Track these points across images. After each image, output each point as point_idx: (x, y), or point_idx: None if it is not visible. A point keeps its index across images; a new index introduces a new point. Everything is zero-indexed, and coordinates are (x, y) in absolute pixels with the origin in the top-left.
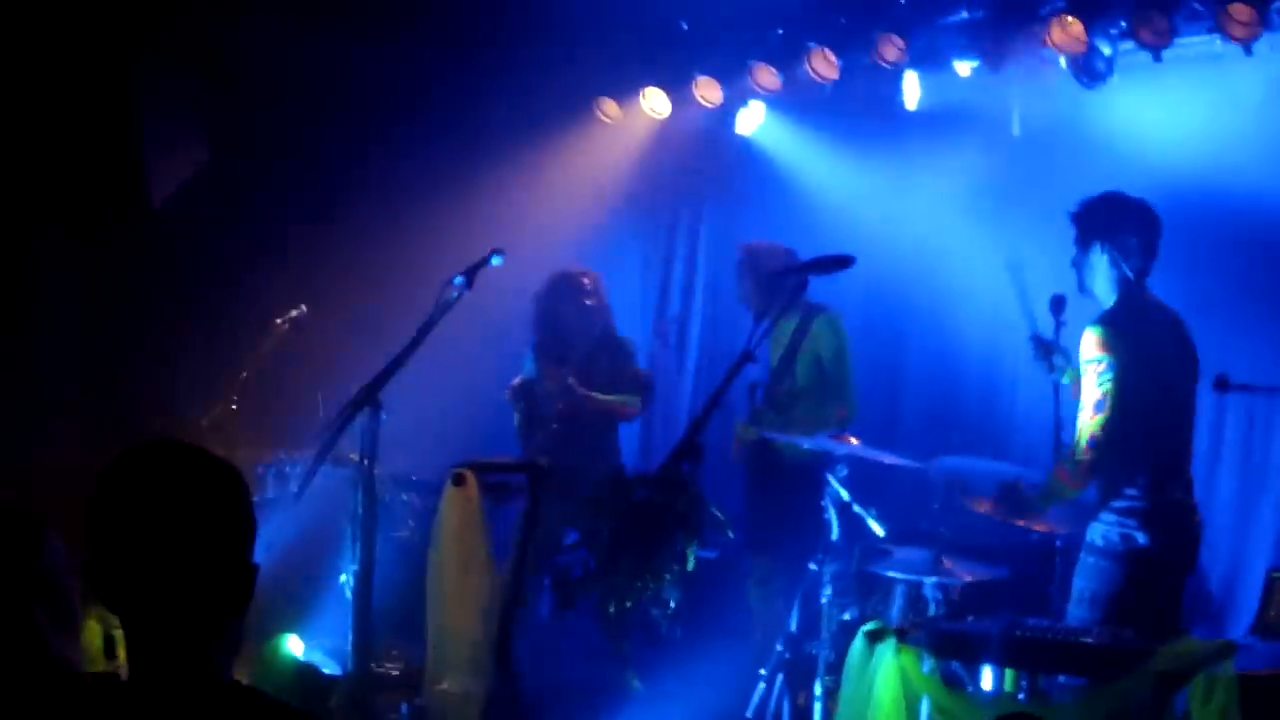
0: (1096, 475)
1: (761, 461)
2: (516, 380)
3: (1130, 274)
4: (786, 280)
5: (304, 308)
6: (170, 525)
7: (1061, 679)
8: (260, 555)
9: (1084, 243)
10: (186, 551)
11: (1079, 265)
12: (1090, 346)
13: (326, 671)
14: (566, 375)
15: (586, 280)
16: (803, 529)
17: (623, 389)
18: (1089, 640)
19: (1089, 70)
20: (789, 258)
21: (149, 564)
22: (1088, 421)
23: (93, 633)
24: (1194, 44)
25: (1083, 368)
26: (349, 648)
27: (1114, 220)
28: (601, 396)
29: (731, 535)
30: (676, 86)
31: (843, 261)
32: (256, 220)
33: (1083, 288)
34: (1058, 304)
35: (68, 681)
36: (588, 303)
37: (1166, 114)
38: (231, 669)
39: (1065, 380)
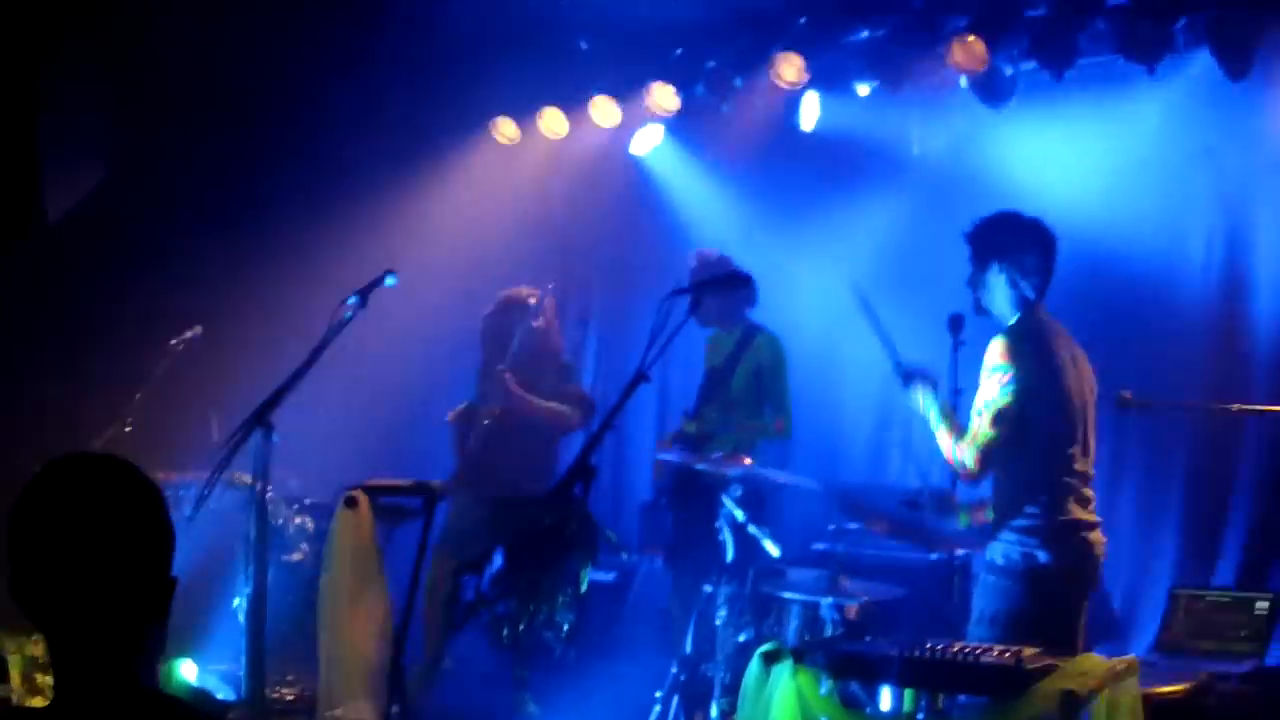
0: (979, 482)
1: (679, 481)
2: (461, 405)
3: (1030, 293)
4: (676, 298)
5: (199, 329)
6: (91, 536)
7: (962, 699)
8: None
9: (980, 263)
10: (107, 562)
11: (975, 285)
12: (995, 355)
13: (220, 697)
14: (504, 371)
15: (534, 300)
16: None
17: (561, 403)
18: (990, 659)
19: (991, 90)
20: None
21: (71, 575)
22: (985, 429)
23: None
24: (1094, 65)
25: (985, 375)
26: (242, 673)
27: (1011, 239)
28: (537, 400)
29: (625, 557)
30: (574, 107)
31: (737, 279)
32: (152, 237)
33: (979, 308)
34: (956, 323)
35: None
36: (535, 323)
37: (1066, 136)
38: (154, 677)
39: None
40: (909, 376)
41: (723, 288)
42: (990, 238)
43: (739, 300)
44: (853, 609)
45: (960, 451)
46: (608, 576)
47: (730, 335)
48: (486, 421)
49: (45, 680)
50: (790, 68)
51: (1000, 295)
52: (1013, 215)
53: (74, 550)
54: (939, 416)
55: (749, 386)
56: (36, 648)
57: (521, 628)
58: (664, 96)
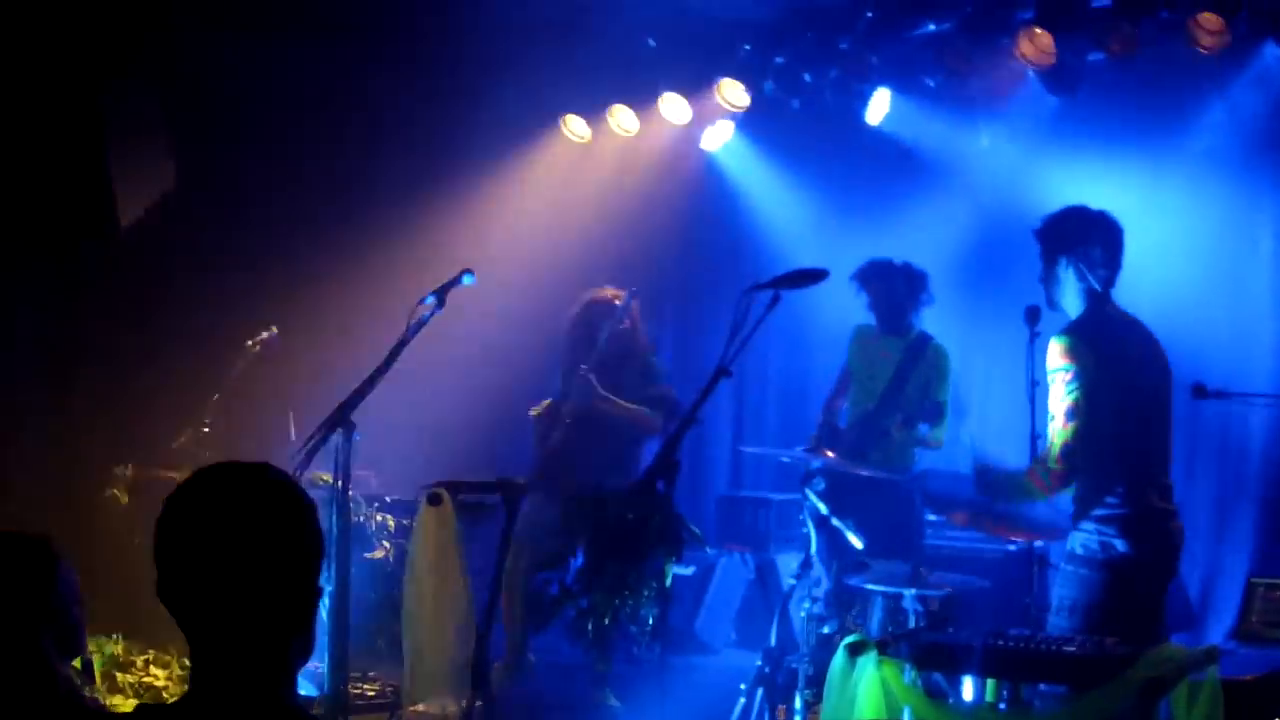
0: (1069, 484)
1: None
2: (544, 402)
3: (1097, 285)
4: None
5: (274, 329)
6: (241, 544)
7: (1043, 688)
8: None
9: (1050, 258)
10: (254, 570)
11: (1046, 281)
12: (1054, 356)
13: (303, 693)
14: (588, 372)
15: (619, 301)
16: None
17: (644, 405)
18: (1071, 649)
19: (1059, 81)
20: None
21: (218, 582)
22: (1059, 429)
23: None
24: (1158, 55)
25: (1049, 377)
26: (325, 669)
27: (1077, 233)
28: (619, 401)
29: (710, 551)
30: (644, 104)
31: (816, 275)
32: (226, 240)
33: (1051, 303)
34: (1032, 315)
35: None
36: (621, 324)
37: (1133, 126)
38: (294, 690)
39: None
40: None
41: (803, 284)
42: (1057, 233)
43: (909, 303)
44: (935, 600)
45: (1042, 463)
46: (687, 570)
47: (895, 341)
48: (568, 420)
49: (126, 679)
50: (1032, 44)
51: (1069, 289)
52: (1078, 209)
53: (223, 557)
54: (1007, 479)
55: (918, 400)
56: (116, 646)
57: (607, 622)
58: (734, 93)
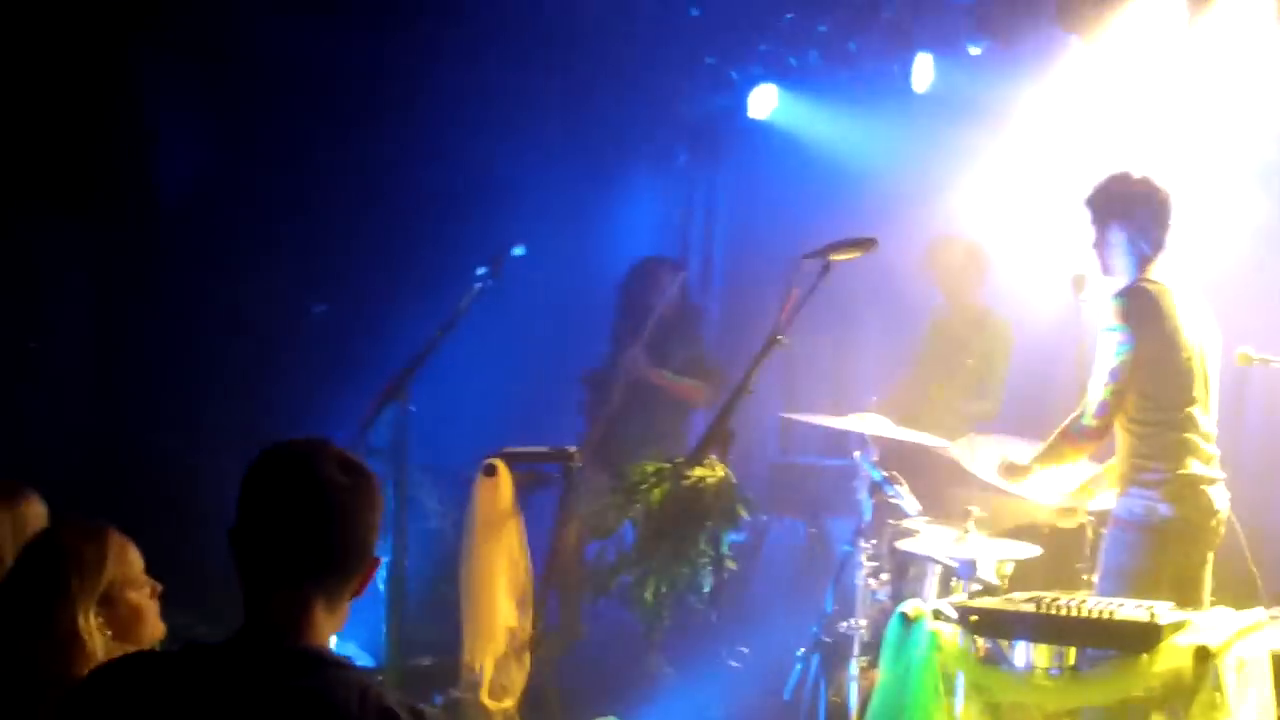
0: (1102, 439)
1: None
2: (596, 368)
3: (1148, 249)
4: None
5: (324, 306)
6: (300, 504)
7: (1094, 652)
8: None
9: (1101, 224)
10: (310, 526)
11: (1099, 247)
12: (1110, 316)
13: (360, 664)
14: (634, 348)
15: (669, 269)
16: None
17: (693, 377)
18: (1123, 614)
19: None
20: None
21: (262, 534)
22: (1100, 387)
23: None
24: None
25: (1101, 336)
26: (383, 640)
27: (1126, 199)
28: (668, 375)
29: (765, 518)
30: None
31: (864, 244)
32: (271, 212)
33: (1106, 269)
34: (1079, 282)
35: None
36: (670, 296)
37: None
38: (328, 641)
39: None
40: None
41: (852, 251)
42: (1105, 199)
43: (970, 275)
44: (988, 566)
45: (1079, 417)
46: (739, 537)
47: (958, 314)
48: (618, 392)
49: None
50: None
51: (1120, 254)
52: (1124, 175)
53: (267, 515)
54: (1043, 455)
55: (978, 370)
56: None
57: (663, 591)
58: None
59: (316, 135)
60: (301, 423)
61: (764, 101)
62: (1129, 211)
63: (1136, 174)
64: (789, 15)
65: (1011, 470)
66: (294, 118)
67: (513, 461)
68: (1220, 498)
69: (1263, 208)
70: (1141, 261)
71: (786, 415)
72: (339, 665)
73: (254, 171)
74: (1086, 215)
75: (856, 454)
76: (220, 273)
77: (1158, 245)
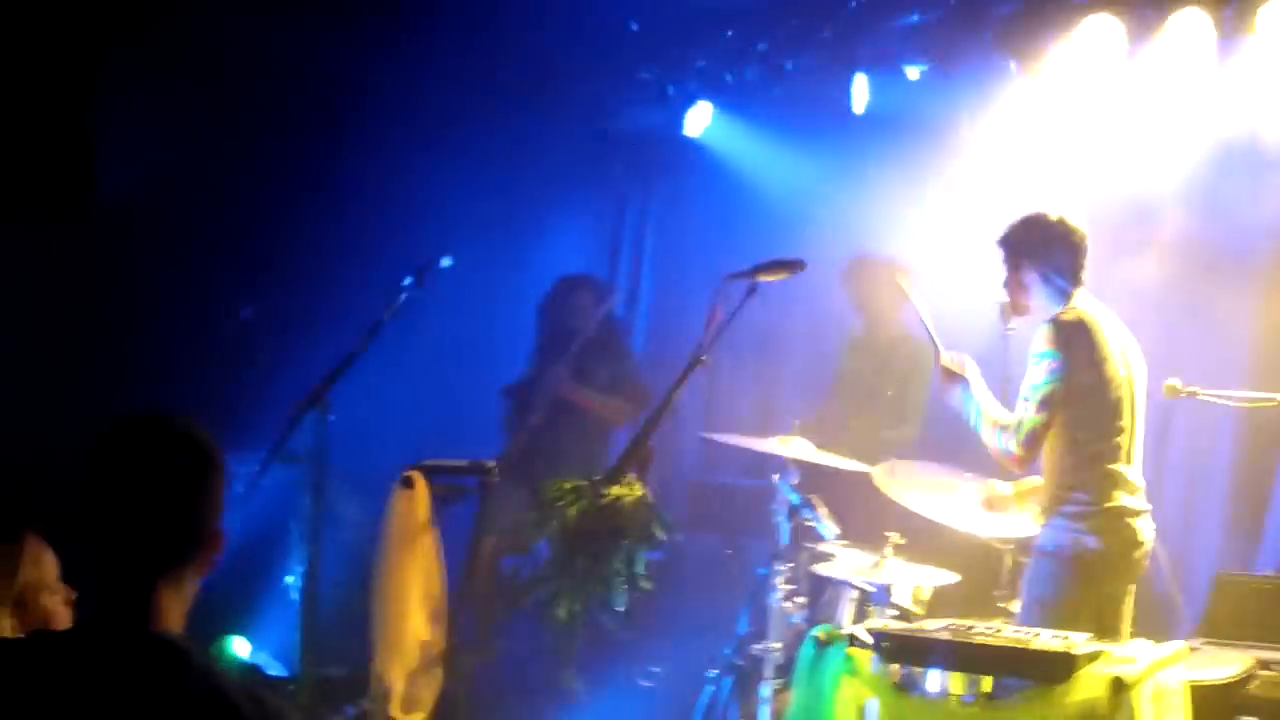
0: (1026, 468)
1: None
2: (516, 381)
3: (1066, 285)
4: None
5: (251, 309)
6: (136, 479)
7: (1010, 682)
8: None
9: (1014, 264)
10: (147, 505)
11: (1010, 286)
12: (1041, 341)
13: (272, 673)
14: (558, 366)
15: (589, 290)
16: None
17: (616, 396)
18: (1039, 644)
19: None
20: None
21: (114, 515)
22: (1030, 416)
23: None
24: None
25: (1032, 361)
26: (295, 649)
27: (1039, 239)
28: (591, 393)
29: (679, 538)
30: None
31: (792, 265)
32: (212, 215)
33: (1018, 308)
34: (1007, 311)
35: None
36: (590, 309)
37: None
38: (180, 623)
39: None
40: (946, 375)
41: (779, 273)
42: (1019, 239)
43: (889, 297)
44: (904, 591)
45: (1005, 439)
46: (657, 555)
47: (876, 338)
48: (539, 408)
49: None
50: None
51: (1038, 293)
52: (1038, 215)
53: (117, 492)
54: (978, 413)
55: (897, 394)
56: None
57: (577, 609)
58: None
59: (249, 142)
60: (224, 427)
61: (699, 119)
62: (1045, 252)
63: (1052, 213)
64: (729, 32)
65: (994, 502)
66: (227, 124)
67: (430, 474)
68: (1146, 529)
69: (1194, 236)
70: (1062, 297)
71: (707, 436)
72: (178, 649)
73: (188, 176)
74: (999, 254)
75: (775, 477)
76: (151, 274)
77: (1076, 280)
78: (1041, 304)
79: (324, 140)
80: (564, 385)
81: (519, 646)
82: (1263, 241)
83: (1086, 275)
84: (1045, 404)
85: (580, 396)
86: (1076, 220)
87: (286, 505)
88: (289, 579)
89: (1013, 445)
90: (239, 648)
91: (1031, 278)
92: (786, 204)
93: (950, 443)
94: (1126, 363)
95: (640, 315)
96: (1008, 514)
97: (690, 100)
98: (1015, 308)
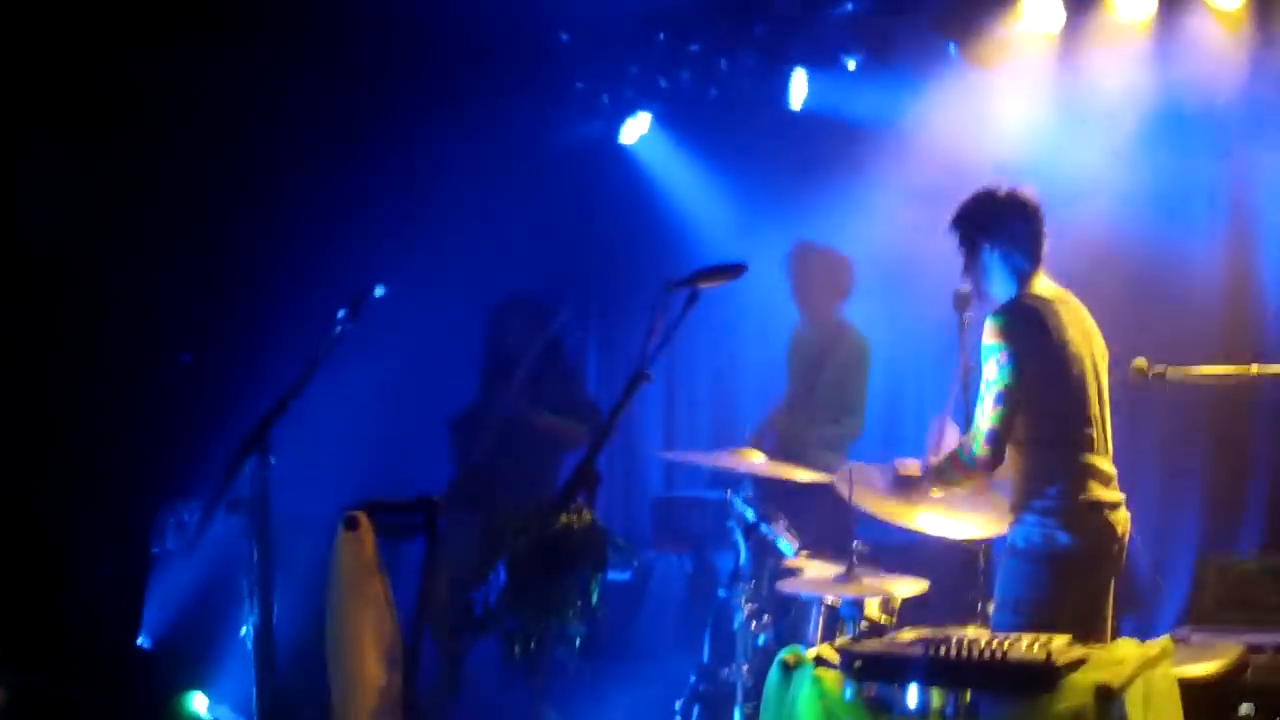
0: (993, 469)
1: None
2: (463, 410)
3: (1025, 263)
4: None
5: (188, 356)
6: None
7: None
8: (160, 610)
9: (971, 246)
10: None
11: (971, 270)
12: (988, 336)
13: None
14: (512, 393)
15: (535, 305)
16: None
17: (569, 418)
18: (1018, 654)
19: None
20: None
21: None
22: (988, 413)
23: None
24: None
25: (984, 359)
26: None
27: (993, 215)
28: (543, 416)
29: (635, 563)
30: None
31: (732, 270)
32: (142, 258)
33: (980, 292)
34: (961, 300)
35: None
36: (537, 328)
37: (1061, 99)
38: None
39: None
40: (907, 483)
41: (720, 278)
42: (973, 218)
43: (827, 288)
44: (873, 604)
45: (969, 445)
46: (623, 575)
47: (817, 330)
48: (489, 435)
49: None
50: None
51: (997, 273)
52: (989, 191)
53: None
54: (938, 466)
55: (835, 386)
56: None
57: (532, 644)
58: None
59: (172, 178)
60: (164, 474)
61: (636, 127)
62: (1000, 228)
63: (1003, 188)
64: (660, 35)
65: (904, 485)
66: (152, 161)
67: (374, 512)
68: (1121, 522)
69: (1146, 219)
70: (1020, 278)
71: (660, 454)
72: None
73: (111, 216)
74: (955, 238)
75: (728, 493)
76: (81, 319)
77: (1035, 259)
78: (1000, 287)
79: (249, 175)
80: (519, 410)
81: (489, 680)
82: (1203, 208)
83: (1045, 253)
84: (1001, 399)
85: (539, 420)
86: (1028, 193)
87: (235, 555)
88: (243, 630)
89: (975, 449)
90: (198, 704)
91: (990, 257)
92: (730, 206)
93: (914, 442)
94: (1086, 346)
95: (589, 331)
96: (927, 498)
97: (629, 109)
98: (980, 295)
